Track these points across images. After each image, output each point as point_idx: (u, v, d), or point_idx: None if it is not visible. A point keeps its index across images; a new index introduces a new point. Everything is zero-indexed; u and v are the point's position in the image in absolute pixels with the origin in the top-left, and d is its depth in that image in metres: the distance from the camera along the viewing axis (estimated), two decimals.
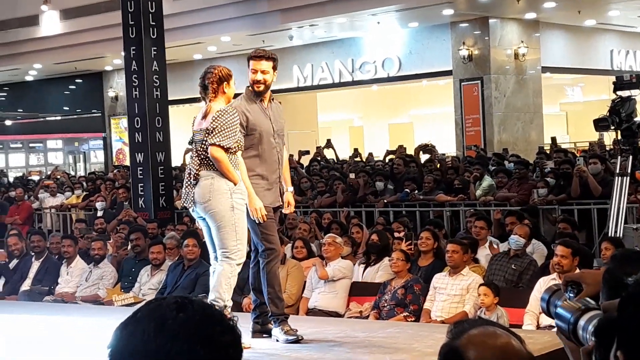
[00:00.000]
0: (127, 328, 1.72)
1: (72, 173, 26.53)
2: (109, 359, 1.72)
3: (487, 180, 12.62)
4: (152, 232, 11.44)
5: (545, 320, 7.13)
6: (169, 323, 1.68)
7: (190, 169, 6.10)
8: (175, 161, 17.02)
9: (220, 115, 6.02)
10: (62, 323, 7.87)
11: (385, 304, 8.14)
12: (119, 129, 25.29)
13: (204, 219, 6.08)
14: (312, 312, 8.60)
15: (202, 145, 6.01)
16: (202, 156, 6.02)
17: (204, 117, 6.13)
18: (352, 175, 14.18)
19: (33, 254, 10.94)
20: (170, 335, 1.67)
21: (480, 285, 7.65)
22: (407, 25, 19.96)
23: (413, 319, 7.89)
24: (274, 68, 6.47)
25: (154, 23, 13.72)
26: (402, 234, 9.92)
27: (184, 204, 6.23)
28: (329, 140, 19.32)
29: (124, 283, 9.99)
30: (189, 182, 6.05)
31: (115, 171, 19.40)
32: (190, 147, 6.42)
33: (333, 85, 21.86)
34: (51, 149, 35.35)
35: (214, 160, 5.93)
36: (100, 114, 25.94)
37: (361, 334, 6.45)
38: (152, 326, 1.68)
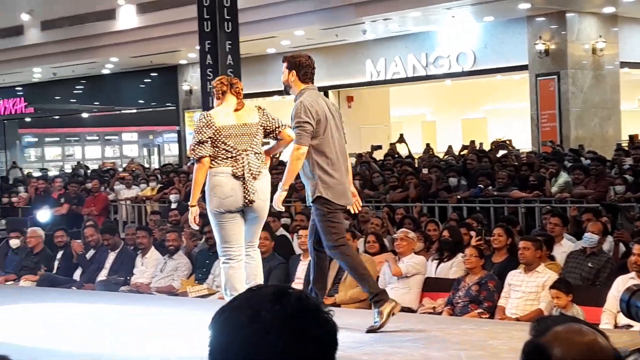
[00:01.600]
0: (224, 314, 1.73)
1: (147, 165, 26.89)
2: (208, 341, 1.72)
3: (563, 177, 12.42)
4: None
5: (623, 320, 6.98)
6: (263, 314, 1.67)
7: (254, 163, 6.25)
8: None
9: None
10: (137, 313, 7.97)
11: (459, 300, 8.07)
12: (193, 122, 25.53)
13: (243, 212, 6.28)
14: None
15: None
16: (260, 153, 6.30)
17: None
18: (424, 171, 14.10)
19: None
20: (263, 326, 1.66)
21: (550, 287, 7.51)
22: (482, 19, 19.75)
23: (487, 315, 7.80)
24: (288, 68, 6.60)
25: (228, 17, 13.82)
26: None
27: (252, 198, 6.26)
28: (401, 135, 19.24)
29: (198, 274, 10.09)
30: (251, 178, 6.20)
31: (189, 164, 19.59)
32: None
33: (406, 80, 21.74)
34: (126, 142, 35.97)
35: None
36: (174, 107, 26.22)
37: (435, 329, 6.40)
38: (247, 315, 1.68)
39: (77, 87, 29.15)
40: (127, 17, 21.89)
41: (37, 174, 24.91)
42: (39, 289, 10.59)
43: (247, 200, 6.20)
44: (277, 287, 1.74)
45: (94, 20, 22.28)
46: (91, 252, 11.33)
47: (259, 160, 6.29)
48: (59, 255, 11.74)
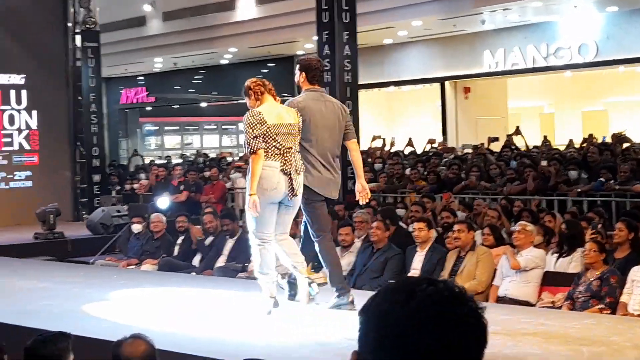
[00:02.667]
0: (379, 295, 1.75)
1: None
2: (359, 327, 1.74)
3: None
4: (340, 214, 11.58)
5: None
6: (418, 294, 1.69)
7: (299, 161, 6.83)
8: (364, 145, 17.16)
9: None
10: (254, 300, 8.08)
11: (580, 296, 7.90)
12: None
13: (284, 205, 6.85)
14: (502, 300, 8.46)
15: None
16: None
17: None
18: (543, 163, 13.85)
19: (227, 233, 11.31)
20: (419, 303, 1.68)
21: None
22: (605, 10, 19.25)
23: (609, 311, 7.62)
24: (299, 70, 7.36)
25: (346, 7, 13.84)
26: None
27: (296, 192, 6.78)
28: (518, 127, 18.94)
29: (314, 263, 10.14)
30: (296, 174, 6.75)
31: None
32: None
33: (525, 71, 21.37)
34: (243, 131, 36.38)
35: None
36: (290, 98, 26.43)
37: (556, 324, 6.29)
38: (404, 294, 1.70)
39: (196, 77, 29.68)
40: (247, 8, 22.17)
41: (159, 161, 25.55)
42: (160, 274, 10.87)
43: (292, 194, 6.74)
44: (428, 277, 1.79)
45: (213, 11, 22.65)
46: (210, 239, 11.54)
47: (300, 158, 6.84)
48: (179, 240, 12.01)
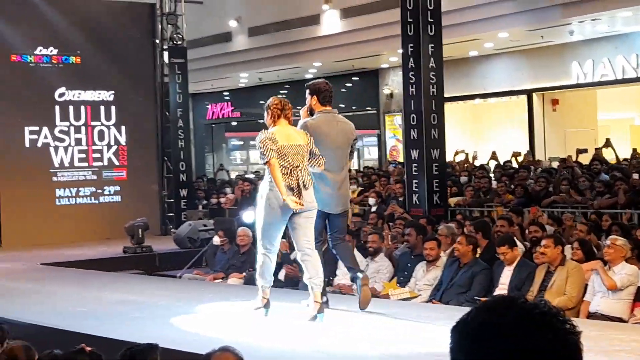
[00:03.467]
0: (474, 310, 1.75)
1: None
2: (454, 334, 1.74)
3: None
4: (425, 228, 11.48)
5: None
6: (517, 308, 1.70)
7: (306, 176, 7.53)
8: (450, 158, 17.03)
9: None
10: (339, 315, 8.06)
11: None
12: (393, 126, 25.61)
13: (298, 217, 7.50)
14: (593, 316, 8.26)
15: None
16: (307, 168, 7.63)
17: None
18: (635, 176, 13.54)
19: None
20: (517, 317, 1.68)
21: None
22: None
23: None
24: (310, 94, 8.11)
25: (432, 20, 13.76)
26: None
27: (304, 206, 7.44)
28: (608, 140, 18.54)
29: (399, 277, 10.10)
30: (304, 189, 7.46)
31: (390, 166, 19.73)
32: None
33: (615, 82, 20.91)
34: (255, 147, 36.46)
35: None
36: (375, 111, 26.39)
37: None
38: (502, 308, 1.71)
39: (280, 91, 29.82)
40: (331, 22, 22.25)
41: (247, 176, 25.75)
42: (246, 287, 10.92)
43: (297, 208, 7.37)
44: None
45: (298, 25, 22.78)
46: (295, 253, 11.53)
47: (308, 174, 7.54)
48: None
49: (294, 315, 8.04)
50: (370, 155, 31.06)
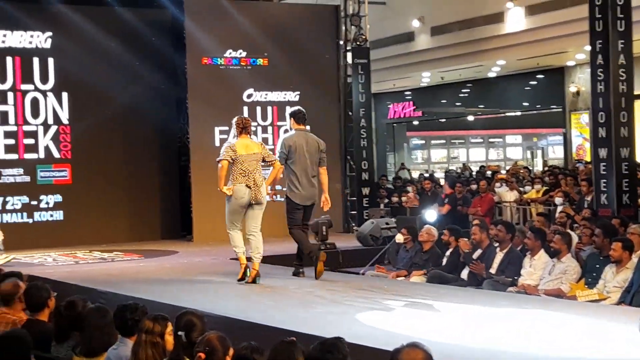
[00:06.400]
0: None
1: (529, 168, 26.77)
2: None
3: None
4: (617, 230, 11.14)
5: None
6: None
7: (259, 178, 10.13)
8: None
9: None
10: (523, 315, 7.99)
11: None
12: (580, 124, 24.96)
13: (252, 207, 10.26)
14: None
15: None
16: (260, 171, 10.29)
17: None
18: None
19: (497, 244, 11.21)
20: None
21: None
22: None
23: None
24: (289, 117, 11.19)
25: (621, 15, 13.35)
26: None
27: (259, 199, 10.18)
28: None
29: (587, 279, 9.87)
30: (257, 187, 10.12)
31: (578, 165, 19.27)
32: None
33: None
34: (510, 144, 36.02)
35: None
36: (560, 109, 25.79)
37: None
38: None
39: (462, 90, 29.70)
40: (516, 20, 21.93)
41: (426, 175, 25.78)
42: (429, 285, 10.96)
43: (254, 200, 10.09)
44: None
45: (482, 23, 22.58)
46: (478, 252, 11.49)
47: (260, 176, 10.12)
48: (447, 253, 12.06)
49: (482, 315, 8.03)
50: (555, 154, 30.42)
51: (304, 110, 11.13)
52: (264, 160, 10.23)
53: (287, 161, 10.64)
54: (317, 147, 10.81)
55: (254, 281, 10.18)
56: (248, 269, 10.27)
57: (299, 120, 10.90)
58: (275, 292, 9.90)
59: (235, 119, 10.34)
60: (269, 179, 10.46)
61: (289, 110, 11.41)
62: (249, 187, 10.00)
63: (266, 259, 13.36)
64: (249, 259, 10.37)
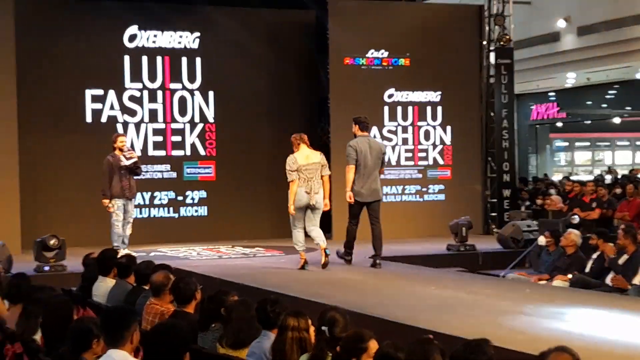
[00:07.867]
0: None
1: None
2: None
3: None
4: None
5: None
6: None
7: (316, 185, 11.57)
8: None
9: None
10: None
11: None
12: None
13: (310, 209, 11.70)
14: None
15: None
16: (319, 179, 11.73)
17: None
18: None
19: None
20: None
21: None
22: None
23: None
24: (354, 123, 12.20)
25: None
26: None
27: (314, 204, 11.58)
28: None
29: None
30: (314, 193, 11.53)
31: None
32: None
33: None
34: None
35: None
36: None
37: None
38: None
39: (609, 91, 28.93)
40: None
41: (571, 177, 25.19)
42: (572, 290, 10.72)
43: (311, 204, 11.50)
44: None
45: (632, 23, 21.91)
46: (624, 257, 11.15)
47: (318, 183, 11.51)
48: (594, 256, 11.76)
49: (629, 321, 7.83)
50: None
51: (367, 117, 12.28)
52: (322, 167, 11.67)
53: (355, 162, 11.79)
54: (379, 150, 11.98)
55: (325, 264, 11.55)
56: (306, 263, 11.72)
57: (363, 128, 12.03)
58: (415, 294, 9.89)
59: (292, 137, 11.82)
60: (324, 192, 11.64)
61: (354, 116, 12.30)
62: (307, 193, 11.44)
63: (407, 259, 13.44)
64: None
